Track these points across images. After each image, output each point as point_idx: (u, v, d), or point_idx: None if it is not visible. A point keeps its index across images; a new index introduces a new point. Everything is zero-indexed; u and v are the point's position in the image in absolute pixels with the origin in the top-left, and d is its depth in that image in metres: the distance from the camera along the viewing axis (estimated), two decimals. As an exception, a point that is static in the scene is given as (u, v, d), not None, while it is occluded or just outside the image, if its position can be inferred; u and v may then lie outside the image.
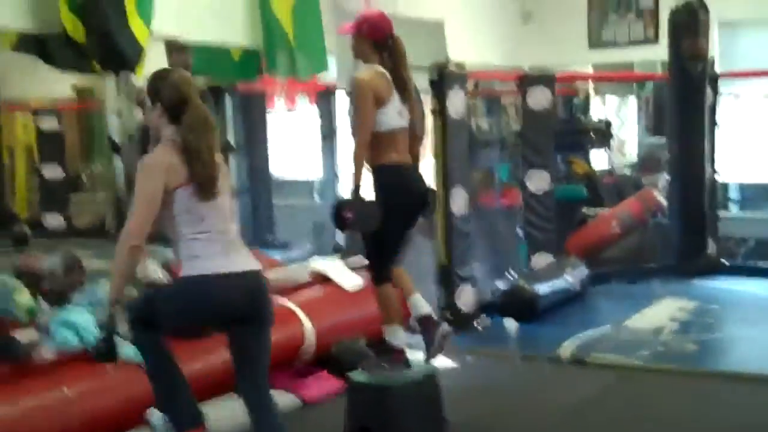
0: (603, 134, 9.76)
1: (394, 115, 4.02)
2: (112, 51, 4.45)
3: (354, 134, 3.99)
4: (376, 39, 4.07)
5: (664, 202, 8.08)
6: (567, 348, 5.45)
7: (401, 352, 4.15)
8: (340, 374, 4.87)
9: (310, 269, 5.61)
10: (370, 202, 3.93)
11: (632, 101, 11.73)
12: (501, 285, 6.46)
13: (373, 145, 3.97)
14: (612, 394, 4.73)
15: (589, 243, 7.99)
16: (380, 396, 3.98)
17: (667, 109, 6.88)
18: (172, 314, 3.22)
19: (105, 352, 3.18)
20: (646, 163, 11.70)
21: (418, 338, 4.25)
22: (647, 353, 5.32)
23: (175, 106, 3.18)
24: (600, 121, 9.89)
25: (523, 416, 4.42)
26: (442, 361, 4.85)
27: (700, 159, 6.56)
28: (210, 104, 5.94)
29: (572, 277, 6.75)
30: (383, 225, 3.97)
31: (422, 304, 4.21)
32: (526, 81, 6.78)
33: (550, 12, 9.04)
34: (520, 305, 6.15)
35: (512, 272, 6.95)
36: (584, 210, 8.26)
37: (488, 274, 6.86)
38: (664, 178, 9.94)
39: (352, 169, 3.98)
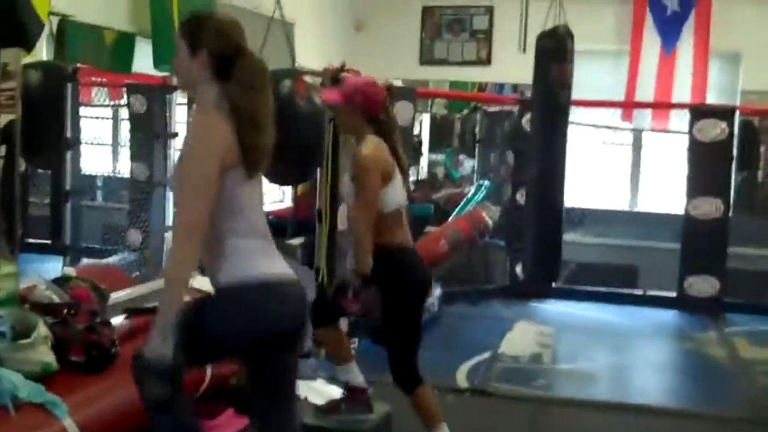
0: (415, 151, 9.73)
1: (399, 192, 3.60)
2: (16, 26, 3.60)
3: (358, 215, 3.52)
4: (370, 111, 3.62)
5: (491, 222, 8.15)
6: (462, 378, 5.24)
7: (363, 390, 3.74)
8: (246, 410, 4.36)
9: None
10: (374, 292, 3.48)
11: (426, 118, 11.89)
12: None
13: (379, 226, 3.52)
14: (536, 427, 4.58)
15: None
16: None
17: (532, 134, 6.89)
18: (219, 340, 2.50)
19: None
20: (432, 181, 11.92)
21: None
22: (543, 382, 5.25)
23: (226, 57, 2.49)
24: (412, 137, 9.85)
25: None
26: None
27: (560, 185, 6.61)
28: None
29: (431, 298, 6.55)
30: (400, 317, 3.57)
31: (357, 374, 3.84)
32: (392, 95, 6.51)
33: (383, 23, 8.86)
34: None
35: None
36: (428, 228, 8.12)
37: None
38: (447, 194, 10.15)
39: (356, 253, 3.52)
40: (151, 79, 6.76)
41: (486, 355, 5.70)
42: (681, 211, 7.65)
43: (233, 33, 2.54)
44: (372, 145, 3.55)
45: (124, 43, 5.23)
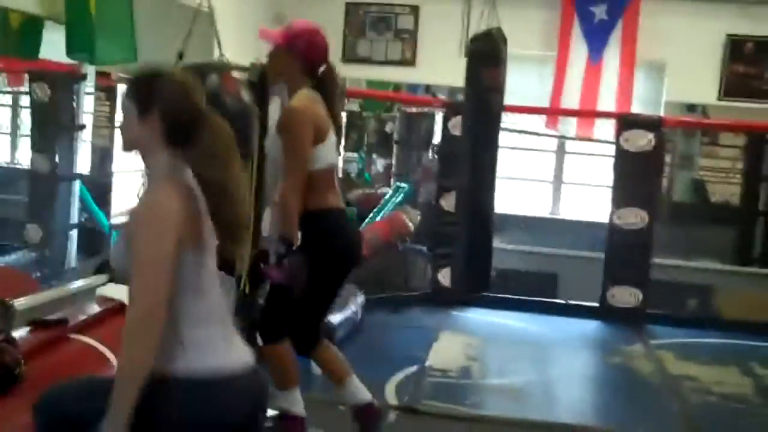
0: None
1: (332, 151, 3.33)
2: None
3: (286, 173, 3.22)
4: (311, 61, 3.33)
5: (412, 226, 7.92)
6: (390, 394, 4.98)
7: (302, 420, 3.45)
8: None
9: (98, 295, 4.58)
10: (301, 259, 3.19)
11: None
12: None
13: (308, 185, 3.23)
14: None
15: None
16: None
17: (462, 139, 6.65)
18: None
19: None
20: (346, 181, 11.65)
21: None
22: (476, 399, 5.04)
23: (182, 122, 2.20)
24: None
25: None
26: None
27: (491, 191, 6.40)
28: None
29: (355, 305, 6.27)
30: (317, 283, 3.27)
31: (361, 390, 3.55)
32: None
33: (304, 18, 8.47)
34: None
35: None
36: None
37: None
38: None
39: (282, 216, 3.22)
40: (58, 66, 6.30)
41: (414, 368, 5.46)
42: (602, 220, 7.60)
43: (191, 94, 2.23)
44: (304, 97, 3.28)
45: (32, 28, 4.78)
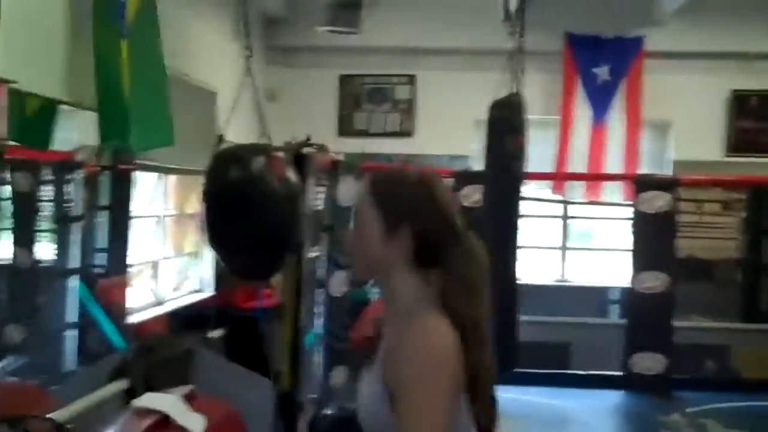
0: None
1: None
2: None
3: None
4: None
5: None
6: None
7: None
8: None
9: (135, 408, 4.12)
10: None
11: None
12: (330, 410, 5.42)
13: None
14: None
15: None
16: None
17: (482, 208, 6.38)
18: None
19: None
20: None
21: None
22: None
23: (437, 242, 1.76)
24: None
25: None
26: None
27: (513, 263, 6.13)
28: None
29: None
30: None
31: None
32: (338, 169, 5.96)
33: (299, 93, 8.23)
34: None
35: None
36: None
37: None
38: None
39: None
40: (49, 155, 5.88)
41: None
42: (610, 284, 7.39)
43: (449, 204, 1.80)
44: None
45: (46, 113, 4.40)
